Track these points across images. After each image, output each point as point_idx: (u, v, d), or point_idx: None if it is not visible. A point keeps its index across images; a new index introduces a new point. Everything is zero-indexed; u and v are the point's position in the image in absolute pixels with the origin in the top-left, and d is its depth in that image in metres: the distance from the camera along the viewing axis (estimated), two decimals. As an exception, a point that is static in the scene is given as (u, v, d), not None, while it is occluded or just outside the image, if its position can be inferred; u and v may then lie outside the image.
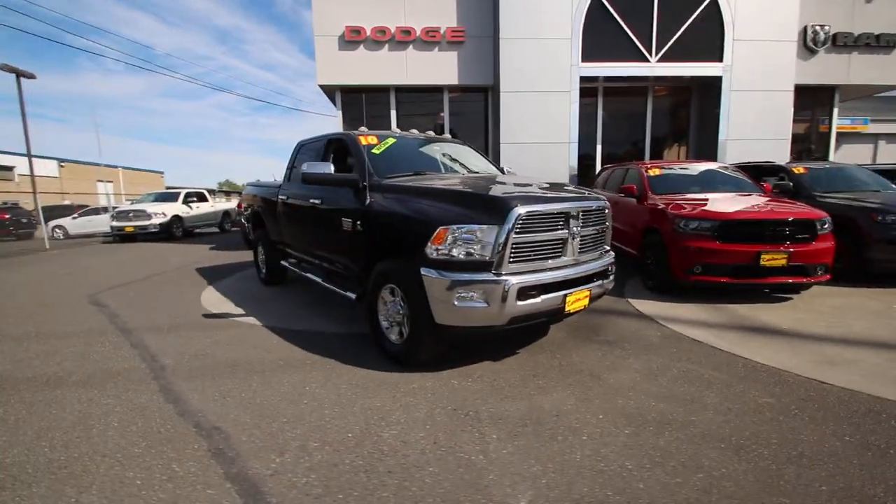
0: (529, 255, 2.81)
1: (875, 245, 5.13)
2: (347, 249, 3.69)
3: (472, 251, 2.68)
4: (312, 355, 3.38)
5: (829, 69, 10.30)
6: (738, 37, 9.41)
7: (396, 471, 1.94)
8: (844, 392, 2.66)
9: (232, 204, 18.77)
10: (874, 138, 21.08)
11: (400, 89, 9.92)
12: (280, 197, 4.98)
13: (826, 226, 4.63)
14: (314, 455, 2.08)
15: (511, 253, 2.71)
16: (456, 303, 2.68)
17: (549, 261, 2.91)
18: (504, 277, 2.67)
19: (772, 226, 4.53)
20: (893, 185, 6.36)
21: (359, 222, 3.41)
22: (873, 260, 5.17)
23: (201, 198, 16.15)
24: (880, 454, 2.02)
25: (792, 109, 9.87)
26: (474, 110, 10.28)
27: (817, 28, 9.98)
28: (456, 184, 3.33)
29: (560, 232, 2.91)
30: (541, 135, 9.26)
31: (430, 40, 9.39)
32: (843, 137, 18.65)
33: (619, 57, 9.42)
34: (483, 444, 2.15)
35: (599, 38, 9.31)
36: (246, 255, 8.87)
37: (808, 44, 10.02)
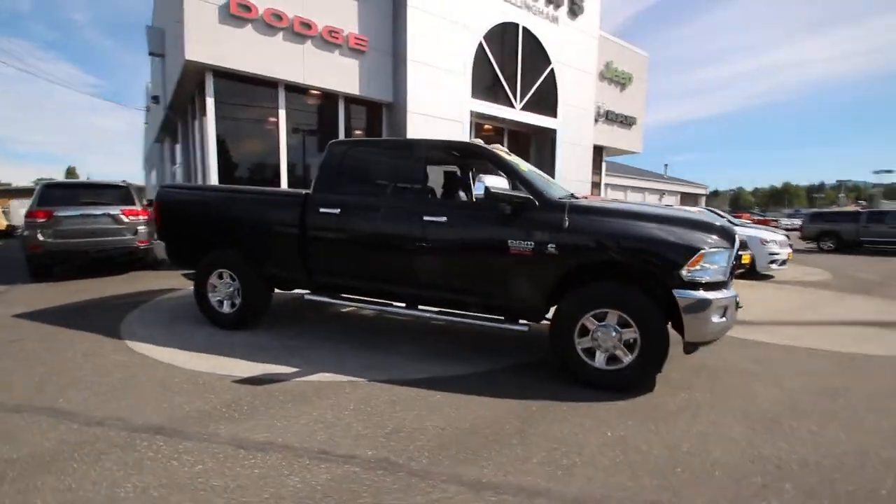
0: (726, 274, 3.31)
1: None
2: (515, 275, 3.26)
3: (718, 272, 2.99)
4: (531, 402, 2.85)
5: (603, 135, 14.51)
6: (565, 102, 12.24)
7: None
8: (841, 354, 4.12)
9: None
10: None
11: (291, 88, 8.51)
12: (321, 209, 3.78)
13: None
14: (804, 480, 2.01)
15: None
16: (714, 319, 2.92)
17: (725, 279, 3.48)
18: (733, 293, 3.09)
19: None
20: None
21: (550, 245, 3.13)
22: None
23: None
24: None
25: (591, 161, 13.45)
26: (372, 125, 9.75)
27: (599, 105, 13.96)
28: (662, 210, 3.47)
29: (729, 253, 3.53)
30: (441, 159, 9.62)
31: (331, 41, 8.49)
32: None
33: (495, 99, 10.81)
34: (829, 432, 2.52)
35: (482, 80, 10.47)
36: (70, 290, 5.89)
37: (595, 115, 13.89)
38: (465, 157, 4.28)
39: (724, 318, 3.00)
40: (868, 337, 4.66)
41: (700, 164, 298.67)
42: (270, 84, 8.27)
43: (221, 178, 7.89)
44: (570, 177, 12.64)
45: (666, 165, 37.05)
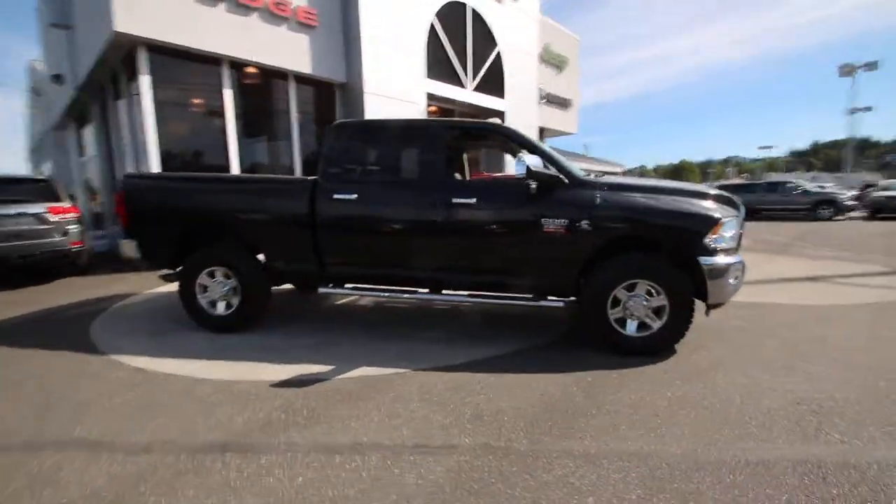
0: (726, 241, 3.64)
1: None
2: (549, 253, 3.32)
3: (731, 239, 3.28)
4: (582, 374, 2.95)
5: (544, 116, 15.02)
6: (511, 83, 12.46)
7: None
8: (803, 306, 4.74)
9: None
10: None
11: (236, 65, 7.73)
12: (336, 196, 3.53)
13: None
14: (837, 421, 2.30)
15: (733, 239, 3.47)
16: (731, 281, 3.21)
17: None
18: (741, 258, 3.42)
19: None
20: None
21: (584, 222, 3.22)
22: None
23: None
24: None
25: (536, 141, 13.87)
26: (325, 107, 9.17)
27: (540, 88, 14.38)
28: (677, 184, 3.71)
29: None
30: (400, 142, 9.38)
31: (279, 13, 7.82)
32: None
33: (448, 80, 10.69)
34: (837, 372, 2.91)
35: (435, 60, 10.29)
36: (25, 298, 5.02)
37: (537, 97, 14.30)
38: (480, 138, 4.21)
39: (737, 281, 3.31)
40: (811, 290, 5.40)
41: (608, 145, 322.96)
42: (213, 61, 7.44)
43: (163, 166, 7.03)
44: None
45: (585, 145, 39.44)
